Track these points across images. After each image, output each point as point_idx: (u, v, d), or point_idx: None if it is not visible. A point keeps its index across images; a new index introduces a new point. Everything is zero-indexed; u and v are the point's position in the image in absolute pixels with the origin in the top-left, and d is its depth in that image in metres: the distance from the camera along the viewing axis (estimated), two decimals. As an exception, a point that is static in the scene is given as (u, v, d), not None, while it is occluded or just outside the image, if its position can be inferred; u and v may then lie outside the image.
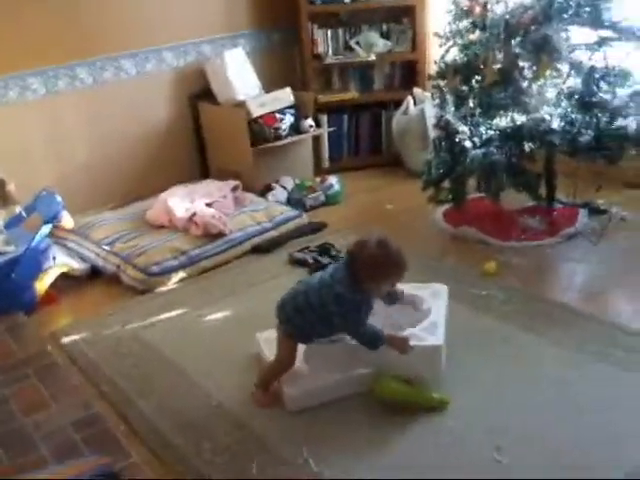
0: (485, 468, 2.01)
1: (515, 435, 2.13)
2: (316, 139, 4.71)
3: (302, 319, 2.30)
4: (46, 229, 3.31)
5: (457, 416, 2.23)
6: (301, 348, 2.41)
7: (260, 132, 4.28)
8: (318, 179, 4.45)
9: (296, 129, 4.47)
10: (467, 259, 3.39)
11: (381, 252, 2.21)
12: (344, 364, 2.36)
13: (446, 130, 3.35)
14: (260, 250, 3.68)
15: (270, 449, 2.16)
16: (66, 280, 3.50)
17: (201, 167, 4.71)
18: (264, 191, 4.32)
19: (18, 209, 3.29)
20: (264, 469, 2.04)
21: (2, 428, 1.88)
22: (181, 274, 3.43)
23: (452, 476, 1.99)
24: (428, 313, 2.46)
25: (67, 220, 3.49)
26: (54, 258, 3.44)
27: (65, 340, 2.95)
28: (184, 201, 3.80)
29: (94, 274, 3.60)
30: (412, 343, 2.26)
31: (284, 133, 4.36)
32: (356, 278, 2.22)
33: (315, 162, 4.72)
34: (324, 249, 3.53)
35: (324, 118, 4.70)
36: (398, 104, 4.66)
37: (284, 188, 4.36)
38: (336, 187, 4.36)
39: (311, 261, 3.42)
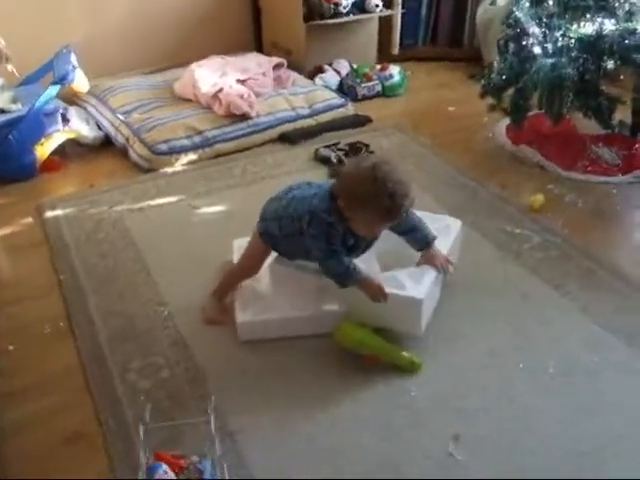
0: (430, 461, 1.61)
1: (485, 425, 1.71)
2: (386, 21, 4.15)
3: (278, 226, 1.95)
4: (53, 90, 3.02)
5: (424, 386, 1.83)
6: (268, 273, 2.08)
7: (317, 6, 3.78)
8: (378, 67, 3.94)
9: (361, 7, 3.93)
10: (515, 185, 2.88)
11: (370, 175, 1.72)
12: (312, 298, 2.00)
13: (515, 30, 2.77)
14: (287, 139, 3.28)
15: (192, 386, 1.86)
16: (77, 147, 3.27)
17: (255, 39, 4.26)
18: (314, 73, 3.86)
19: (10, 67, 2.99)
20: (156, 418, 1.71)
21: None
22: (191, 156, 3.09)
23: (386, 465, 1.61)
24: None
25: (81, 82, 3.19)
26: (68, 121, 3.18)
27: (48, 214, 2.73)
28: (214, 75, 3.39)
29: (108, 143, 3.32)
30: (388, 291, 1.85)
31: (345, 10, 3.83)
32: (334, 201, 1.82)
33: (381, 47, 4.20)
34: (354, 148, 3.09)
35: (399, -2, 4.11)
36: (489, -9, 4.02)
37: (337, 72, 3.89)
38: (396, 78, 3.87)
39: (334, 160, 3.00)
